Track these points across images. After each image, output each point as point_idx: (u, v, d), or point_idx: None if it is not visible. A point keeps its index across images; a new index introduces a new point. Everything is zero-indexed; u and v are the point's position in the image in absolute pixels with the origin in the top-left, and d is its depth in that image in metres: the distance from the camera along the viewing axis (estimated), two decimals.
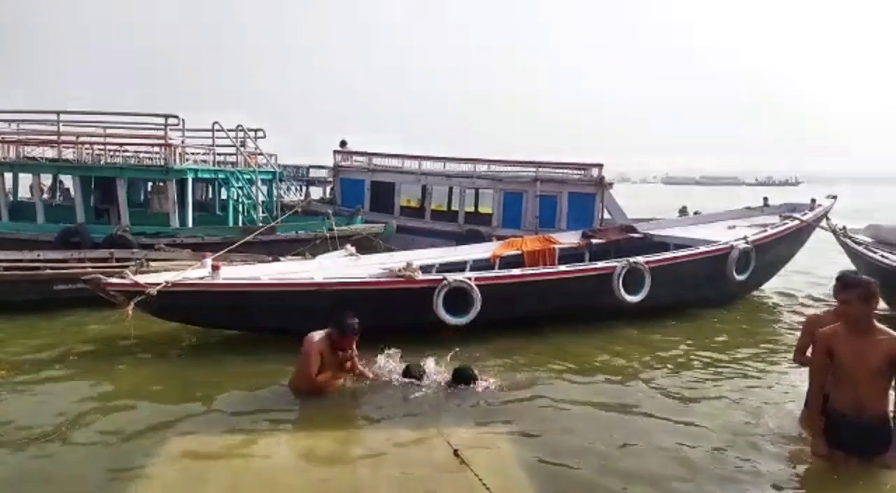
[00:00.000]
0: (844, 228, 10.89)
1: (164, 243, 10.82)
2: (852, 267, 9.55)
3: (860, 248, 9.93)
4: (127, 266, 7.92)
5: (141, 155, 13.91)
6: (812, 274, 12.09)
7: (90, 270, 7.74)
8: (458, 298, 7.05)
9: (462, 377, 5.66)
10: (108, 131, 13.12)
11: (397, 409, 5.25)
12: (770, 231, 9.80)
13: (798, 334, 7.58)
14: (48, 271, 8.81)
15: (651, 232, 10.90)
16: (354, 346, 5.59)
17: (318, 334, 5.48)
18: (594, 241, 10.48)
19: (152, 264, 8.84)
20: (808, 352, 4.62)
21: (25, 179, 15.06)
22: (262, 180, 15.03)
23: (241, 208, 14.17)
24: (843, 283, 4.19)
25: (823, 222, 11.08)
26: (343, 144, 15.69)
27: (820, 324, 4.39)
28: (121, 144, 13.26)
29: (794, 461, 4.40)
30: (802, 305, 9.93)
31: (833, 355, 3.93)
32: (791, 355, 6.63)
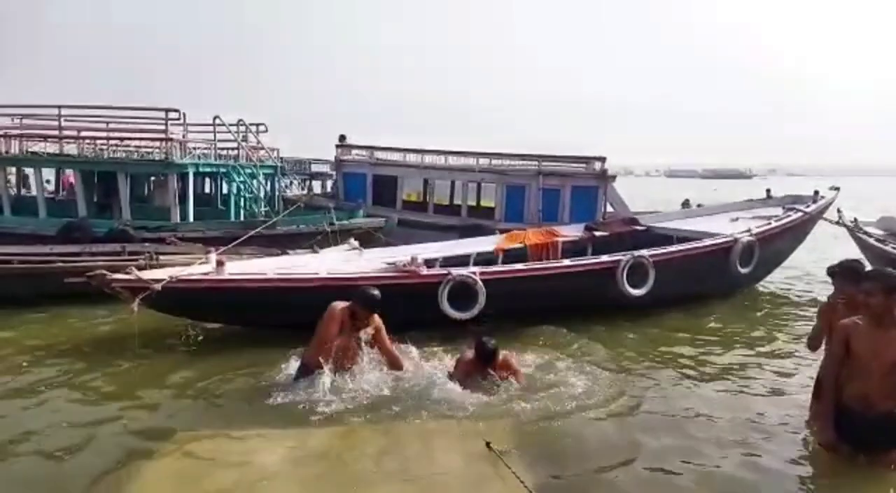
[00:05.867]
0: (856, 220, 10.86)
1: (174, 237, 10.78)
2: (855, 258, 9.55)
3: (871, 240, 9.94)
4: (138, 260, 7.92)
5: (143, 150, 13.88)
6: (813, 265, 12.09)
7: (101, 264, 7.78)
8: (462, 292, 7.05)
9: (485, 352, 5.25)
10: (110, 126, 13.09)
11: (419, 401, 5.07)
12: (774, 223, 9.79)
13: (805, 324, 7.63)
14: (59, 264, 8.79)
15: (654, 225, 10.86)
16: (383, 329, 5.45)
17: (340, 304, 5.32)
18: (598, 234, 10.45)
19: (161, 258, 8.84)
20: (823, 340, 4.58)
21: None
22: (264, 175, 14.98)
23: (242, 203, 14.14)
24: (865, 274, 4.10)
25: (834, 215, 10.99)
26: (342, 138, 15.60)
27: (835, 313, 4.33)
28: (122, 139, 13.23)
29: (801, 453, 4.41)
30: (806, 296, 9.93)
31: (850, 346, 3.86)
32: (799, 345, 6.64)
